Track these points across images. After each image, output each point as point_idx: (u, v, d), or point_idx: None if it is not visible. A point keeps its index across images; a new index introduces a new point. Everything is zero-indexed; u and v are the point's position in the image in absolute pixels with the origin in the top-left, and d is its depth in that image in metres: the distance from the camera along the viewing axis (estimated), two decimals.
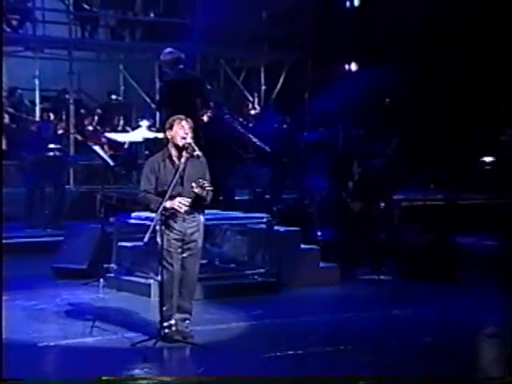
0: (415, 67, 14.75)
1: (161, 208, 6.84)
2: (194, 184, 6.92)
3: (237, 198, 12.45)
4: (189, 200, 6.95)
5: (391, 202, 11.86)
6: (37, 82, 15.75)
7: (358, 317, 8.40)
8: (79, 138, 13.75)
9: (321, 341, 7.46)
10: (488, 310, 8.70)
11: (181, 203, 6.92)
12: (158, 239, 7.01)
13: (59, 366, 6.89)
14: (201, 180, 6.92)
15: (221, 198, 11.37)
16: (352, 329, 7.95)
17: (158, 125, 9.91)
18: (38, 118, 15.32)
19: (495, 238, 11.37)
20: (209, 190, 6.94)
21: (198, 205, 7.10)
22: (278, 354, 6.91)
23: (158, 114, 9.95)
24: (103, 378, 5.40)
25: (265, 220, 9.91)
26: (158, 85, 15.54)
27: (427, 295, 9.34)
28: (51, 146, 13.45)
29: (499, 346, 7.57)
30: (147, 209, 7.32)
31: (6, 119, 15.94)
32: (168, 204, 6.90)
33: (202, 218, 7.19)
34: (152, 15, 17.53)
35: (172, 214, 6.97)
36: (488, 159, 12.90)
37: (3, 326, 7.24)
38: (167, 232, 7.00)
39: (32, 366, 6.64)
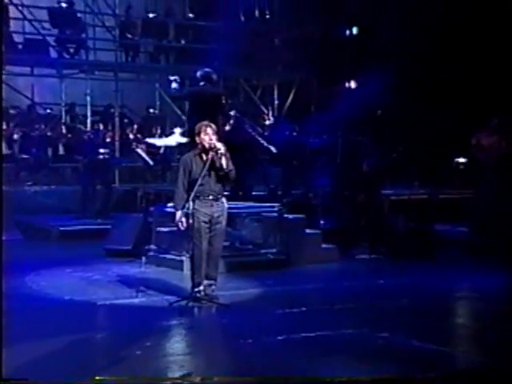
0: (403, 85, 15.11)
1: (183, 204, 7.36)
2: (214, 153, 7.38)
3: (254, 192, 12.67)
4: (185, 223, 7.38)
5: (381, 196, 12.16)
6: (88, 98, 16.20)
7: (350, 285, 8.74)
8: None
9: (320, 302, 7.81)
10: (457, 281, 9.12)
11: (182, 224, 7.39)
12: (190, 221, 7.41)
13: (114, 318, 7.30)
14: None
15: (240, 193, 11.94)
16: (346, 293, 8.25)
17: (188, 132, 10.32)
18: (89, 128, 15.76)
19: (466, 226, 11.70)
20: (222, 154, 7.35)
21: (223, 191, 7.61)
22: (287, 310, 7.30)
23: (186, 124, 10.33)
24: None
25: (276, 209, 10.30)
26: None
27: (408, 270, 9.56)
28: (101, 150, 13.93)
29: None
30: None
31: (63, 129, 16.67)
32: (177, 215, 7.38)
33: (225, 204, 7.66)
34: (183, 42, 17.81)
35: (201, 200, 7.47)
36: (462, 160, 13.22)
37: (66, 291, 7.87)
38: (197, 215, 7.41)
39: (93, 320, 7.22)
